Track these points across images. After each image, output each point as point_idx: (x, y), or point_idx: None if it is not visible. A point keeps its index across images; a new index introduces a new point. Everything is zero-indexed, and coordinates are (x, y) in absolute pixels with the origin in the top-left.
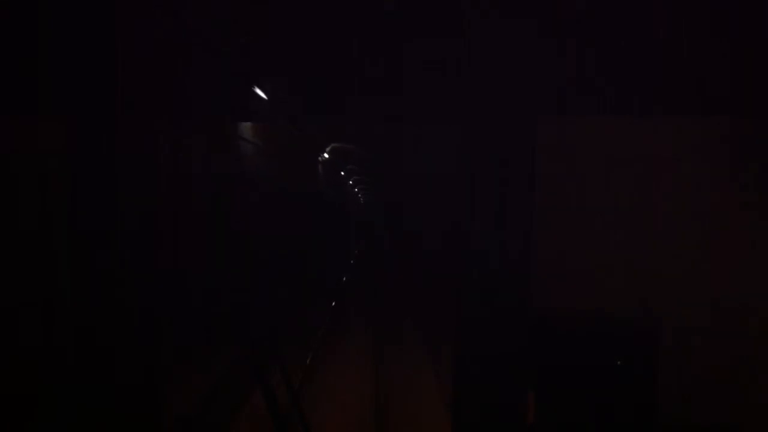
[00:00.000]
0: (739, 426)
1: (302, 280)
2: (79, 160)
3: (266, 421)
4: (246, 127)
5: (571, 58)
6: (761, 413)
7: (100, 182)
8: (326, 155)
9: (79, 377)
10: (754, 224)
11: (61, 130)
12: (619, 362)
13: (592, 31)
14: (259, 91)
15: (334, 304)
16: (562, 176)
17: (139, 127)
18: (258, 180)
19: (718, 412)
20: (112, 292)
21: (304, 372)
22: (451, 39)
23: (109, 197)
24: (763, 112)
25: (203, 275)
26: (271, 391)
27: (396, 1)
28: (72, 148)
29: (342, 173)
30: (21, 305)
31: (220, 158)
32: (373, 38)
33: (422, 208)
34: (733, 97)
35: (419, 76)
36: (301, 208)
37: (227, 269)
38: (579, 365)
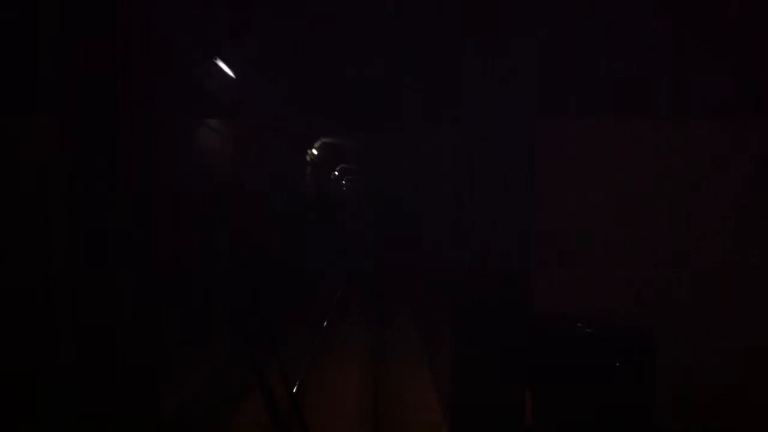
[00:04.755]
0: (737, 429)
1: None
2: (78, 160)
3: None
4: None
5: (571, 57)
6: (759, 416)
7: (99, 181)
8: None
9: (78, 377)
10: (754, 225)
11: (61, 130)
12: (618, 363)
13: (592, 31)
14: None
15: None
16: (562, 176)
17: (138, 126)
18: None
19: (717, 415)
20: (112, 292)
21: None
22: (451, 39)
23: (109, 196)
24: (762, 112)
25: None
26: (269, 390)
27: (396, 2)
28: (72, 147)
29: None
30: (21, 305)
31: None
32: (372, 38)
33: (421, 208)
34: (734, 97)
35: (419, 76)
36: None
37: None
38: (578, 366)
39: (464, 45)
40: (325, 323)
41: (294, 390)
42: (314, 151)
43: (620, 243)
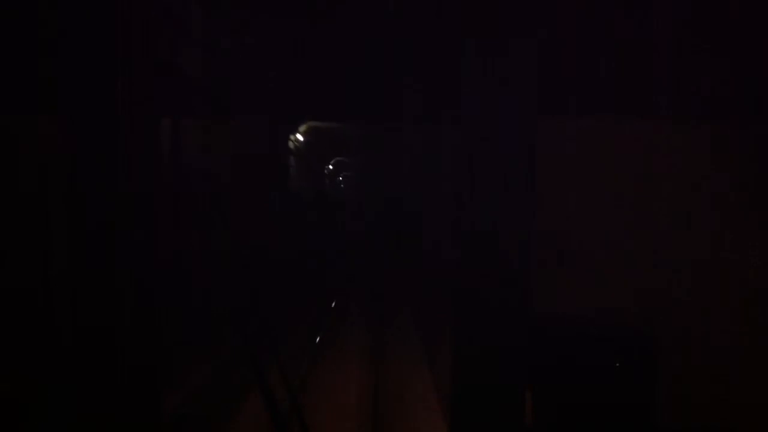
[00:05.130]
0: (737, 429)
1: None
2: (78, 160)
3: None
4: None
5: (571, 57)
6: (759, 416)
7: (99, 181)
8: None
9: (78, 377)
10: (755, 225)
11: (61, 129)
12: (618, 363)
13: (592, 31)
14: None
15: None
16: (562, 176)
17: (138, 126)
18: None
19: (717, 415)
20: (112, 292)
21: None
22: (451, 39)
23: (109, 196)
24: (762, 112)
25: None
26: (269, 390)
27: (396, 2)
28: (72, 147)
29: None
30: (21, 305)
31: None
32: (373, 38)
33: (421, 208)
34: (734, 97)
35: (419, 76)
36: None
37: None
38: (578, 366)
39: (464, 45)
40: (324, 323)
41: (294, 390)
42: (299, 137)
43: (620, 243)
